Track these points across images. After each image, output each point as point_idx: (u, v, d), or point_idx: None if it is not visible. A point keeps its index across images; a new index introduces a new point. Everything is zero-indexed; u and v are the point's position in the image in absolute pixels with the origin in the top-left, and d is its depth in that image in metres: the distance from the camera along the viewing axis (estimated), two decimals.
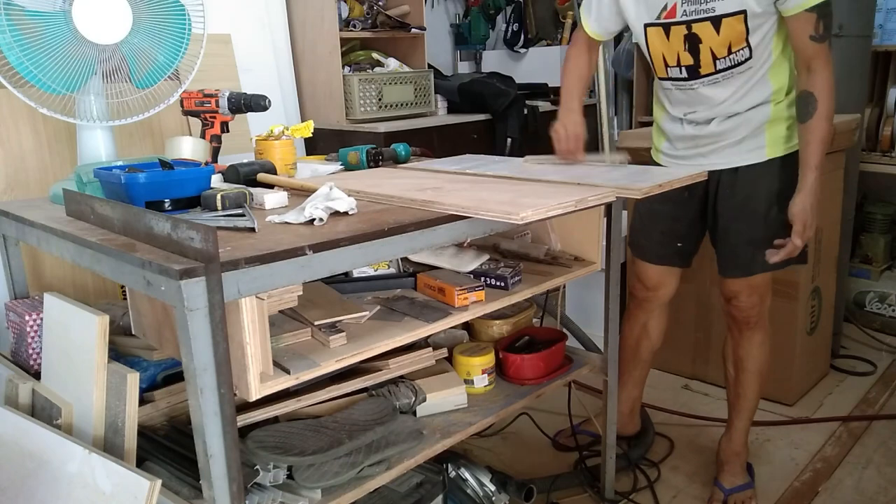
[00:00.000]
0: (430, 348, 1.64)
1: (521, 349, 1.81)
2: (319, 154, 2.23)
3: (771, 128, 1.70)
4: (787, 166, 1.70)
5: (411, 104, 2.84)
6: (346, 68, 2.77)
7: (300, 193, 1.45)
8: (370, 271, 1.65)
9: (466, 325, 1.88)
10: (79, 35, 1.52)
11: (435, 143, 2.72)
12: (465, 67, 3.87)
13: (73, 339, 1.29)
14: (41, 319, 1.41)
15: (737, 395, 1.94)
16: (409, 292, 1.55)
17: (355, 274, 1.63)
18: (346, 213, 1.26)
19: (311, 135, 1.77)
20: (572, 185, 1.45)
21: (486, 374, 1.69)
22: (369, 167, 1.86)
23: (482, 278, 1.54)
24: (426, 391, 1.56)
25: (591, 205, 1.35)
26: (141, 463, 1.27)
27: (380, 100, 2.72)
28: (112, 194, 1.32)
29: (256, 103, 1.70)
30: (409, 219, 1.23)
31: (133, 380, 1.22)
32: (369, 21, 2.85)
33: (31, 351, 1.46)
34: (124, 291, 1.67)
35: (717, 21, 1.57)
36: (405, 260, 1.68)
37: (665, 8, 1.62)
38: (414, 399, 1.54)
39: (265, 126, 1.76)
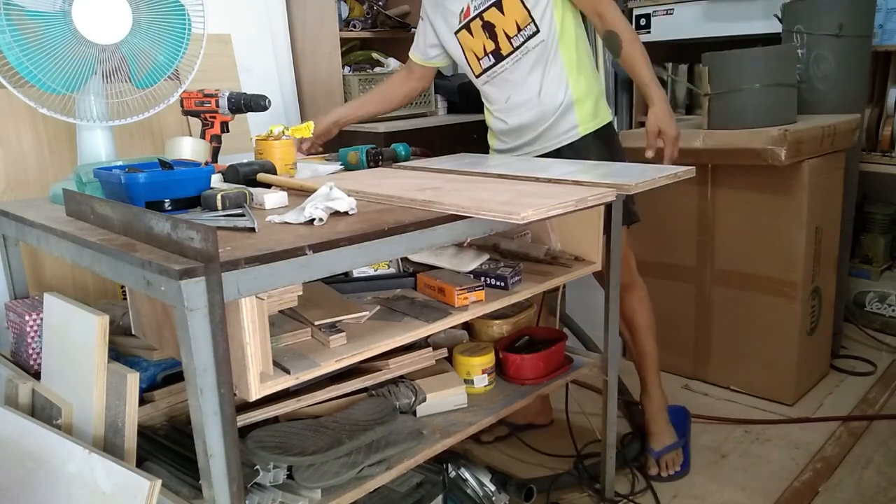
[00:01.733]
0: (430, 348, 1.64)
1: (521, 349, 1.81)
2: (319, 154, 2.23)
3: (578, 107, 1.89)
4: (601, 138, 1.92)
5: (411, 104, 2.83)
6: (346, 68, 2.77)
7: (300, 193, 1.45)
8: (370, 271, 1.65)
9: (466, 325, 1.88)
10: (79, 35, 1.52)
11: (435, 143, 2.71)
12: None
13: (73, 339, 1.29)
14: (41, 319, 1.41)
15: (638, 353, 2.10)
16: (409, 292, 1.55)
17: (355, 274, 1.63)
18: (346, 213, 1.26)
19: (311, 135, 1.78)
20: (570, 185, 1.45)
21: (486, 374, 1.69)
22: (369, 167, 1.86)
23: (482, 278, 1.54)
24: (426, 391, 1.56)
25: (590, 204, 1.35)
26: (141, 463, 1.27)
27: None
28: (112, 194, 1.32)
29: (256, 103, 1.70)
30: (409, 219, 1.23)
31: (133, 380, 1.22)
32: (369, 21, 2.85)
33: (31, 351, 1.46)
34: (124, 291, 1.67)
35: (499, 5, 1.82)
36: (405, 260, 1.68)
37: (462, 10, 1.89)
38: (414, 399, 1.54)
39: (265, 126, 1.76)
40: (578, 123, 1.89)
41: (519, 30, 1.83)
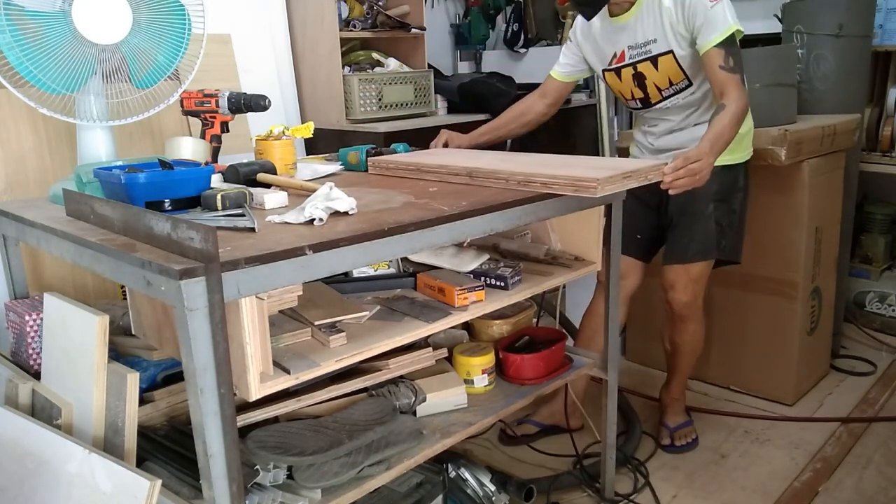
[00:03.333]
0: (430, 348, 1.64)
1: (521, 349, 1.81)
2: (319, 154, 2.23)
3: None
4: (727, 174, 1.98)
5: (411, 104, 2.84)
6: (346, 68, 2.77)
7: (300, 193, 1.45)
8: (370, 271, 1.65)
9: (466, 325, 1.88)
10: (79, 35, 1.52)
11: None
12: (465, 67, 3.87)
13: (73, 339, 1.29)
14: (41, 319, 1.41)
15: (673, 366, 2.23)
16: (409, 292, 1.55)
17: (355, 274, 1.63)
18: (346, 213, 1.26)
19: (311, 135, 1.77)
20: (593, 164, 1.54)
21: (486, 374, 1.69)
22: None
23: (482, 278, 1.54)
24: (426, 391, 1.56)
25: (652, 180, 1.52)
26: (141, 463, 1.27)
27: (380, 100, 2.72)
28: (112, 194, 1.32)
29: (256, 103, 1.70)
30: (409, 218, 1.23)
31: (133, 380, 1.22)
32: (369, 21, 2.84)
33: (31, 351, 1.46)
34: (124, 291, 1.67)
35: (654, 60, 1.88)
36: (405, 260, 1.68)
37: (615, 55, 1.95)
38: (414, 399, 1.54)
39: (265, 126, 1.76)
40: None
41: (671, 84, 1.90)
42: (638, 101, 1.98)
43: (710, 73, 1.79)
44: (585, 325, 2.19)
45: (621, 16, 1.90)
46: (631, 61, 1.92)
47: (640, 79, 1.93)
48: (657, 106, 1.96)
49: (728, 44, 1.76)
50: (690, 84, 1.90)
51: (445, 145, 2.02)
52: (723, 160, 1.87)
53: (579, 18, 2.00)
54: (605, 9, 1.91)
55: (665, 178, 1.57)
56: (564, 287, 2.82)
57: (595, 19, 1.94)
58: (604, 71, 2.00)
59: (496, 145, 2.92)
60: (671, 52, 1.85)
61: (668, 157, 1.90)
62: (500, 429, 2.28)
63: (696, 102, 1.93)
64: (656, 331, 2.34)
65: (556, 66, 2.10)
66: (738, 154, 1.99)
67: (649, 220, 2.11)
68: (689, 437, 2.21)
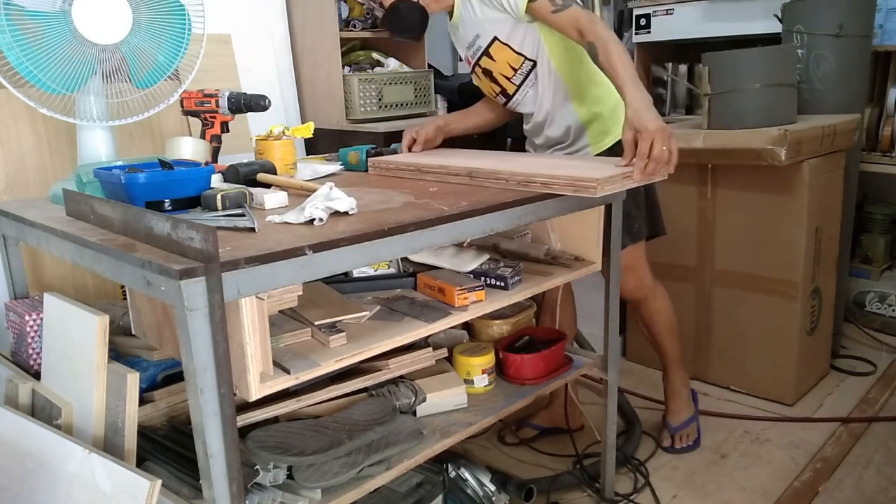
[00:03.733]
0: (430, 348, 1.64)
1: (521, 349, 1.81)
2: (319, 154, 2.23)
3: (589, 128, 1.89)
4: (610, 156, 1.82)
5: (411, 104, 2.84)
6: (346, 68, 2.76)
7: (300, 193, 1.45)
8: (370, 271, 1.65)
9: (466, 325, 1.88)
10: (79, 35, 1.52)
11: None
12: (465, 67, 3.86)
13: (73, 339, 1.29)
14: (41, 319, 1.41)
15: (658, 349, 2.19)
16: (409, 292, 1.55)
17: (355, 274, 1.63)
18: (346, 213, 1.26)
19: (311, 135, 1.77)
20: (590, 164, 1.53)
21: (486, 374, 1.69)
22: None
23: (482, 278, 1.54)
24: (426, 391, 1.56)
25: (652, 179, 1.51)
26: (141, 463, 1.27)
27: (380, 100, 2.72)
28: (112, 194, 1.32)
29: (256, 103, 1.70)
30: (409, 218, 1.23)
31: (133, 380, 1.22)
32: (369, 21, 2.84)
33: (31, 351, 1.46)
34: (124, 291, 1.67)
35: (487, 53, 1.86)
36: (405, 260, 1.68)
37: (465, 60, 1.96)
38: (414, 399, 1.54)
39: (265, 126, 1.76)
40: (589, 143, 1.90)
41: (515, 70, 1.86)
42: (502, 97, 1.94)
43: (550, 22, 1.70)
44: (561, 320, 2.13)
45: (452, 21, 1.91)
46: (474, 61, 1.90)
47: (488, 74, 1.90)
48: (516, 97, 1.90)
49: None
50: (534, 63, 1.83)
51: (412, 142, 1.92)
52: (601, 145, 1.86)
53: None
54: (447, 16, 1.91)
55: (636, 175, 1.45)
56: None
57: (449, 29, 1.95)
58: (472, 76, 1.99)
59: (496, 146, 2.93)
60: (495, 38, 1.81)
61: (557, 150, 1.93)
62: (498, 432, 2.28)
63: (543, 78, 1.84)
64: None
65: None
66: (615, 131, 1.84)
67: None
68: (690, 439, 2.20)
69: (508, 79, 1.88)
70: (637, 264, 2.01)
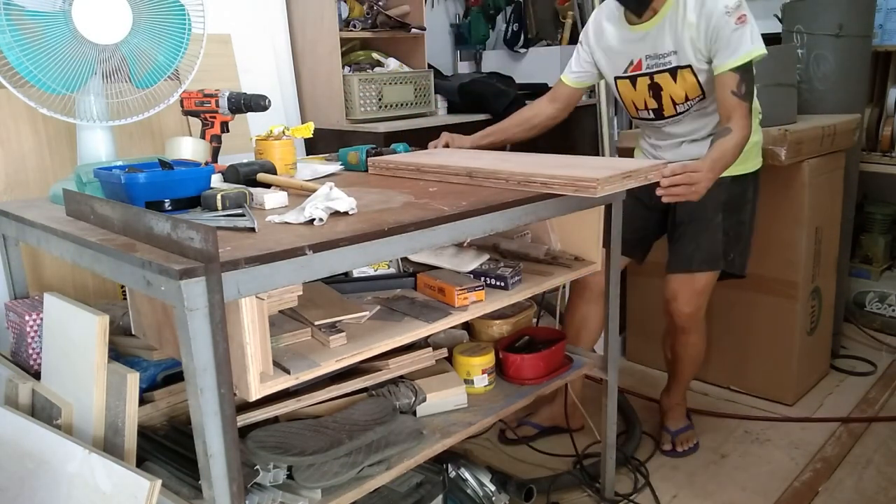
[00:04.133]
0: (430, 348, 1.64)
1: (521, 349, 1.81)
2: (319, 154, 2.23)
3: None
4: (737, 184, 1.96)
5: (411, 104, 2.83)
6: (346, 68, 2.76)
7: (300, 193, 1.45)
8: (370, 271, 1.65)
9: (466, 325, 1.88)
10: (79, 35, 1.52)
11: None
12: (465, 67, 3.86)
13: (73, 339, 1.29)
14: (41, 319, 1.41)
15: (673, 373, 2.21)
16: (409, 292, 1.55)
17: (355, 274, 1.63)
18: (346, 213, 1.26)
19: (311, 135, 1.77)
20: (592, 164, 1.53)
21: (486, 374, 1.69)
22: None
23: (482, 278, 1.54)
24: (426, 391, 1.56)
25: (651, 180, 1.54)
26: (141, 463, 1.27)
27: (380, 100, 2.72)
28: (112, 194, 1.32)
29: (256, 103, 1.70)
30: (409, 218, 1.23)
31: (133, 380, 1.22)
32: (369, 21, 2.84)
33: (31, 351, 1.46)
34: (124, 291, 1.67)
35: (673, 72, 1.83)
36: (405, 260, 1.68)
37: (632, 63, 1.89)
38: (414, 399, 1.54)
39: (265, 126, 1.76)
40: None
41: (687, 99, 1.86)
42: (651, 112, 1.93)
43: (721, 94, 1.75)
44: (569, 323, 2.16)
45: (642, 24, 1.84)
46: (648, 71, 1.86)
47: (656, 89, 1.87)
48: (669, 119, 1.92)
49: (744, 69, 1.72)
50: (705, 97, 1.85)
51: (446, 146, 2.00)
52: (733, 170, 1.84)
53: (591, 22, 1.96)
54: (621, 14, 1.87)
55: (662, 181, 1.54)
56: (564, 287, 2.81)
57: (609, 25, 1.91)
58: (616, 79, 1.94)
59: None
60: (690, 66, 1.80)
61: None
62: (499, 430, 2.28)
63: (709, 114, 1.89)
64: (656, 331, 2.34)
65: (567, 72, 2.03)
66: (748, 164, 1.96)
67: (646, 220, 2.08)
68: (690, 442, 2.19)
69: (675, 103, 1.87)
70: (706, 291, 2.02)
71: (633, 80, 1.90)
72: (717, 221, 1.95)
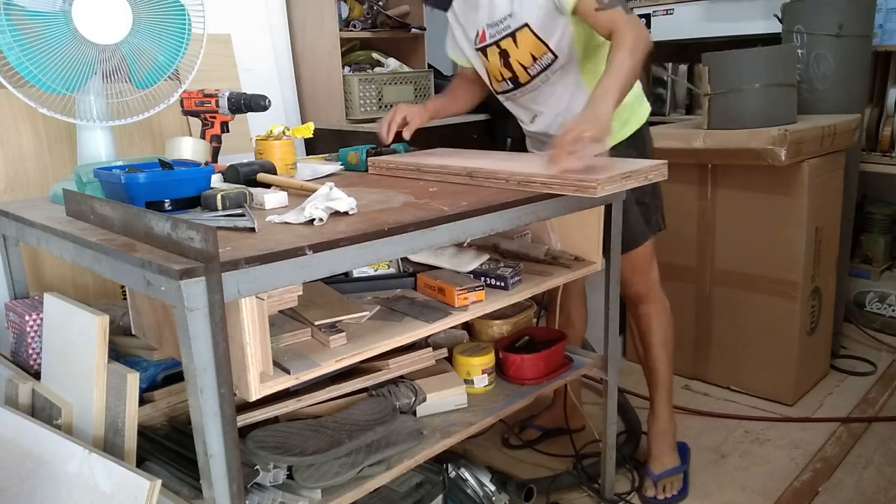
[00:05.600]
0: (430, 348, 1.64)
1: (521, 349, 1.81)
2: (319, 154, 2.23)
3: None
4: (633, 145, 1.81)
5: (411, 104, 2.84)
6: (346, 68, 2.76)
7: (300, 193, 1.45)
8: (370, 271, 1.65)
9: (466, 325, 1.88)
10: (79, 35, 1.52)
11: (435, 144, 2.71)
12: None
13: (73, 339, 1.29)
14: (41, 319, 1.41)
15: (649, 369, 2.03)
16: (409, 292, 1.55)
17: (355, 274, 1.63)
18: (346, 213, 1.26)
19: (311, 135, 1.77)
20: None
21: (486, 374, 1.69)
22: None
23: (482, 278, 1.54)
24: (426, 391, 1.56)
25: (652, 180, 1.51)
26: (141, 463, 1.27)
27: (380, 100, 2.72)
28: (112, 194, 1.32)
29: (256, 103, 1.70)
30: (409, 218, 1.23)
31: (133, 380, 1.22)
32: (369, 21, 2.84)
33: (31, 351, 1.46)
34: (124, 291, 1.67)
35: (513, 35, 1.74)
36: (405, 260, 1.68)
37: (478, 35, 1.81)
38: (414, 399, 1.54)
39: (265, 126, 1.76)
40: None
41: (534, 59, 1.76)
42: (509, 82, 1.82)
43: (590, 20, 1.64)
44: (551, 321, 2.09)
45: None
46: (492, 40, 1.77)
47: (505, 56, 1.78)
48: (527, 86, 1.81)
49: None
50: (556, 57, 1.74)
51: (404, 123, 1.88)
52: (623, 132, 1.78)
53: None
54: None
55: (551, 167, 1.43)
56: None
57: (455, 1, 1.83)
58: (476, 51, 1.85)
59: (496, 146, 2.93)
60: (526, 24, 1.70)
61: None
62: (502, 437, 2.28)
63: (563, 78, 1.77)
64: None
65: (449, 49, 1.97)
66: (637, 115, 1.83)
67: None
68: (675, 488, 1.98)
69: (525, 68, 1.78)
70: (653, 257, 1.94)
71: (483, 51, 1.82)
72: (628, 196, 1.76)
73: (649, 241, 1.91)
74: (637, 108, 1.85)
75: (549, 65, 1.76)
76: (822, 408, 2.44)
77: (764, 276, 2.43)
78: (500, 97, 1.92)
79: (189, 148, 1.65)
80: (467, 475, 1.79)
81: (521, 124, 1.98)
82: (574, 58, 1.75)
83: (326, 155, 2.10)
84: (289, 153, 1.68)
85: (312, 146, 2.66)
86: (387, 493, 1.61)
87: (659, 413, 2.04)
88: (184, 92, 1.72)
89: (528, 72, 1.79)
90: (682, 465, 2.04)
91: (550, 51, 1.74)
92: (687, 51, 3.28)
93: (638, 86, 1.83)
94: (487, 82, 1.91)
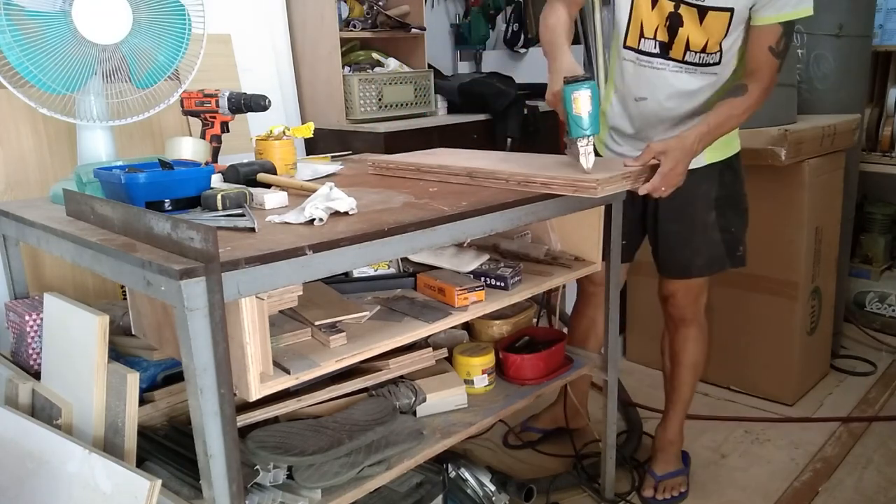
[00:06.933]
0: (430, 348, 1.64)
1: (521, 349, 1.81)
2: (319, 154, 2.23)
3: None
4: (728, 170, 1.77)
5: (411, 104, 2.83)
6: (346, 68, 2.76)
7: (300, 193, 1.45)
8: (370, 271, 1.65)
9: (466, 325, 1.88)
10: (79, 35, 1.51)
11: (435, 144, 2.71)
12: (465, 67, 3.87)
13: (73, 339, 1.29)
14: (41, 319, 1.41)
15: (672, 387, 2.01)
16: (409, 292, 1.55)
17: (355, 274, 1.63)
18: (346, 213, 1.26)
19: (311, 135, 1.77)
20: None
21: (486, 374, 1.69)
22: None
23: (482, 278, 1.54)
24: (426, 391, 1.56)
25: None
26: (141, 463, 1.27)
27: (380, 100, 2.72)
28: (112, 194, 1.32)
29: (256, 103, 1.70)
30: (409, 218, 1.23)
31: (133, 380, 1.22)
32: (369, 21, 2.84)
33: (31, 351, 1.46)
34: (124, 291, 1.67)
35: (703, 11, 1.57)
36: (405, 260, 1.68)
37: None
38: (414, 399, 1.54)
39: (265, 126, 1.76)
40: (706, 150, 1.64)
41: (703, 49, 1.61)
42: (657, 45, 1.62)
43: (755, 48, 1.55)
44: (575, 326, 2.11)
45: None
46: None
47: (674, 20, 1.58)
48: (672, 63, 1.63)
49: (789, 26, 1.55)
50: (718, 63, 1.62)
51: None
52: (720, 154, 1.71)
53: None
54: None
55: (642, 185, 1.41)
56: (565, 287, 2.81)
57: None
58: None
59: (496, 146, 2.93)
60: (731, 9, 1.54)
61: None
62: (503, 438, 2.27)
63: (704, 86, 1.66)
64: (656, 331, 2.33)
65: None
66: (733, 143, 1.78)
67: (633, 222, 1.87)
68: (676, 490, 1.97)
69: (688, 48, 1.60)
70: (705, 287, 1.89)
71: (656, 0, 1.60)
72: (712, 221, 1.77)
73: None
74: (736, 133, 1.76)
75: (707, 65, 1.63)
76: (823, 408, 2.44)
77: (764, 276, 2.42)
78: (624, 52, 1.68)
79: (189, 148, 1.65)
80: (467, 475, 1.79)
81: (614, 97, 1.77)
82: (724, 74, 1.65)
83: (328, 155, 2.08)
84: (289, 153, 1.68)
85: (312, 146, 2.66)
86: (387, 493, 1.61)
87: (670, 425, 2.03)
88: (184, 92, 1.72)
89: (686, 54, 1.62)
90: (685, 468, 2.05)
91: (721, 52, 1.61)
92: None
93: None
94: (621, 29, 1.66)
